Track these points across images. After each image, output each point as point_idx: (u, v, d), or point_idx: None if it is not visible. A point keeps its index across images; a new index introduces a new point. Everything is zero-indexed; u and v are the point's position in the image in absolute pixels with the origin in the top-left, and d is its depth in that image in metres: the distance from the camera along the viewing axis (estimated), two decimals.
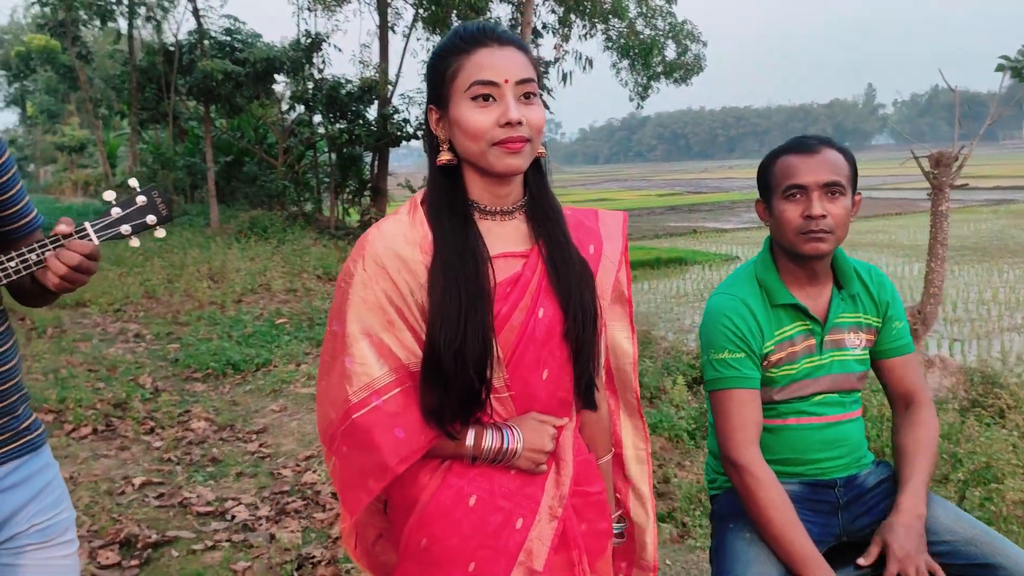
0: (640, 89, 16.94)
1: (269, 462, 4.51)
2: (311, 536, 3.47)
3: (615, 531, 1.69)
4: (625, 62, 16.59)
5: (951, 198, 7.13)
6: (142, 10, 17.04)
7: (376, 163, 17.01)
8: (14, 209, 1.57)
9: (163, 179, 16.74)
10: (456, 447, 1.43)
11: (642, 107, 17.85)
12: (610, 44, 16.32)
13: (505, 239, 1.48)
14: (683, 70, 16.67)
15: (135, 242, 1.51)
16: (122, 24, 16.80)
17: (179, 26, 17.13)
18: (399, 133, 15.55)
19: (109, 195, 1.48)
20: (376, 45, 16.20)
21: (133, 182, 1.48)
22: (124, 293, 9.61)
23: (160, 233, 1.52)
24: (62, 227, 1.43)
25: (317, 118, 16.98)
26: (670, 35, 16.40)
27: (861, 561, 1.79)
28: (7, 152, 1.53)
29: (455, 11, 13.78)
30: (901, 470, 1.89)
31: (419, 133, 14.80)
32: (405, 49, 32.20)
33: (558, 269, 1.48)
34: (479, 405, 1.42)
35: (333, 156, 17.04)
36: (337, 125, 15.96)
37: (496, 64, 1.39)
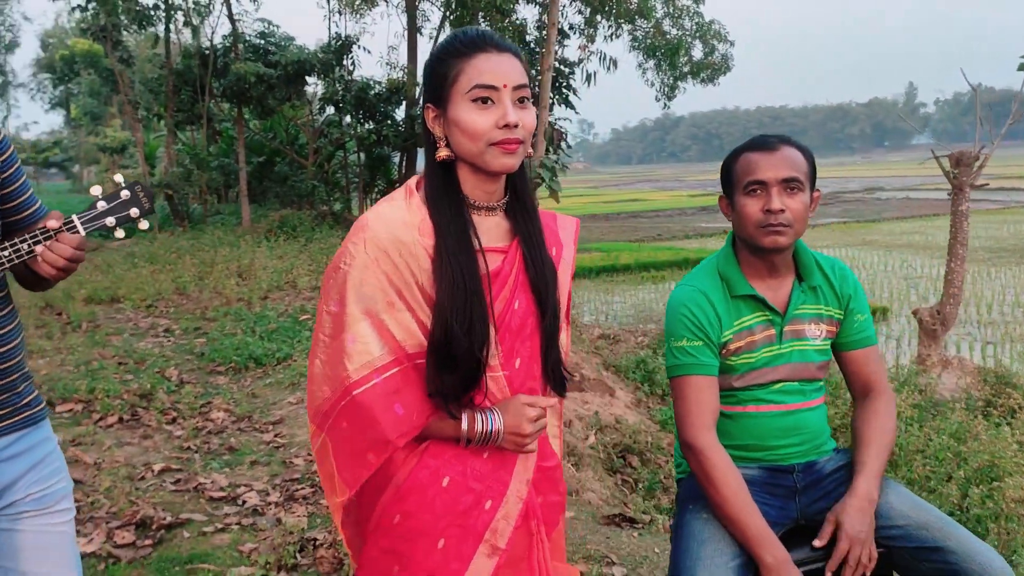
0: (667, 89, 16.96)
1: (283, 451, 4.66)
2: (316, 521, 3.60)
3: None
4: (651, 62, 16.62)
5: (991, 200, 7.11)
6: (179, 15, 17.44)
7: (404, 163, 17.24)
8: (19, 200, 1.70)
9: (197, 179, 17.08)
10: (455, 428, 1.52)
11: (669, 107, 17.86)
12: (636, 44, 16.36)
13: (488, 234, 1.58)
14: (710, 70, 16.65)
15: (120, 233, 1.63)
16: (160, 29, 17.17)
17: (214, 30, 17.42)
18: None
19: (96, 190, 1.61)
20: (404, 47, 16.43)
21: (118, 177, 1.60)
22: (156, 289, 9.88)
23: (143, 225, 1.64)
24: (52, 222, 1.56)
25: (347, 119, 17.24)
26: (697, 35, 16.38)
27: (816, 543, 1.86)
28: (11, 147, 1.67)
29: (482, 12, 13.91)
30: (857, 456, 1.96)
31: None
32: None
33: (534, 265, 1.58)
34: (477, 384, 1.52)
35: (362, 156, 17.29)
36: (366, 126, 16.20)
37: (496, 69, 1.48)
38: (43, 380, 5.93)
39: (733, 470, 1.87)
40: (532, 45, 15.19)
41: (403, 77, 16.38)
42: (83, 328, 8.14)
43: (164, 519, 3.60)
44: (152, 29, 17.08)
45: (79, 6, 15.84)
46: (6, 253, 1.53)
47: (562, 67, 15.88)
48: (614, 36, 16.17)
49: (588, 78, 15.66)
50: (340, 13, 16.61)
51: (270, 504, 3.85)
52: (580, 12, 15.97)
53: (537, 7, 16.06)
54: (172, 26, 17.21)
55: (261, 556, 3.22)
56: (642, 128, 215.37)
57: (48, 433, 1.77)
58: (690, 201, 38.25)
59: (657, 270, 15.87)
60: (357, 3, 16.13)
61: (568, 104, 16.32)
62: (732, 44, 16.94)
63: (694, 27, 16.45)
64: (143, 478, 4.25)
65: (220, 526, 3.58)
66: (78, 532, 3.40)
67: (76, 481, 3.99)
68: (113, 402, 5.43)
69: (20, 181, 1.70)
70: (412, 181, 1.61)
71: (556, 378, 1.65)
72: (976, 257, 16.87)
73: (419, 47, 16.59)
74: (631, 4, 15.07)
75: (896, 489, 1.96)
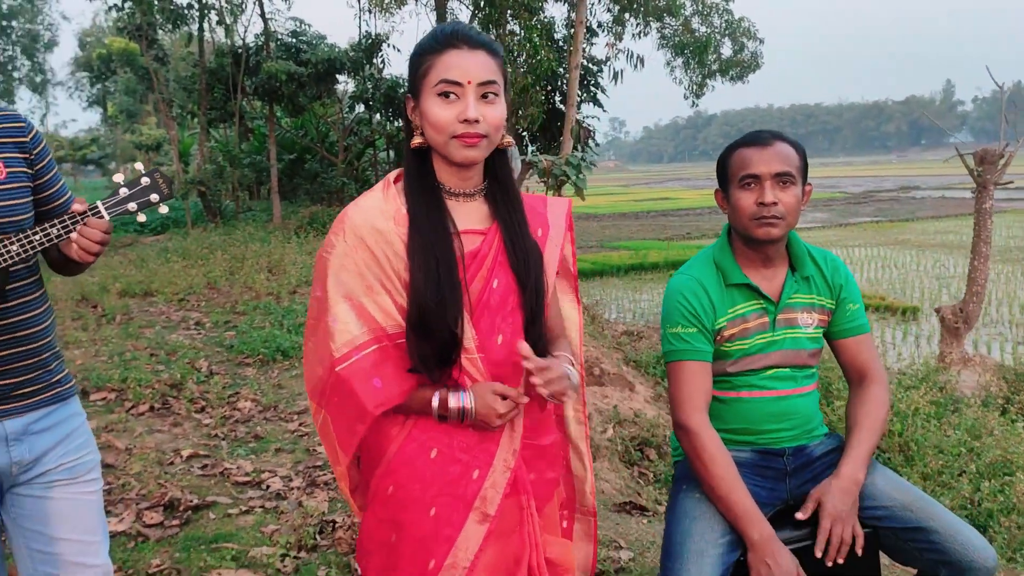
0: (695, 87, 16.94)
1: (306, 440, 4.79)
2: (336, 505, 3.72)
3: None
4: (679, 60, 16.62)
5: None
6: (213, 14, 17.72)
7: None
8: (52, 190, 1.83)
9: (230, 176, 17.37)
10: (427, 404, 1.62)
11: (697, 105, 17.83)
12: (664, 42, 16.36)
13: (467, 217, 1.68)
14: (739, 68, 16.60)
15: (142, 217, 1.75)
16: (194, 28, 17.48)
17: (247, 29, 17.74)
18: None
19: (118, 177, 1.73)
20: None
21: (138, 165, 1.73)
22: (188, 284, 10.09)
23: (163, 210, 1.76)
24: (77, 206, 1.68)
25: (376, 117, 17.42)
26: (726, 32, 16.34)
27: (799, 515, 1.94)
28: (43, 141, 1.80)
29: (510, 11, 13.99)
30: (847, 440, 2.03)
31: None
32: None
33: (514, 246, 1.67)
34: (455, 357, 1.61)
35: (391, 153, 17.47)
36: (395, 123, 16.36)
37: (462, 65, 1.57)
38: (78, 370, 6.12)
39: (723, 451, 1.94)
40: (560, 43, 15.26)
41: None
42: (117, 320, 8.35)
43: (191, 501, 3.74)
44: (186, 28, 17.39)
45: (115, 5, 16.18)
46: (37, 238, 1.65)
47: (590, 65, 15.92)
48: (642, 34, 16.19)
49: (615, 76, 15.69)
50: (370, 12, 16.80)
51: (293, 489, 3.98)
52: (608, 10, 16.02)
53: (566, 5, 16.14)
54: (206, 25, 17.48)
55: (282, 537, 3.34)
56: (674, 126, 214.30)
57: (77, 409, 1.90)
58: None
59: None
60: (387, 2, 16.29)
61: (596, 102, 16.37)
62: (762, 41, 16.88)
63: (723, 24, 16.42)
64: (172, 463, 4.40)
65: (244, 509, 3.71)
66: (109, 512, 3.56)
67: (108, 465, 4.16)
68: (145, 391, 5.59)
69: (52, 172, 1.83)
70: (391, 174, 1.72)
71: (537, 354, 1.70)
72: (1010, 257, 16.64)
73: None
74: (660, 2, 15.08)
75: (883, 472, 2.03)
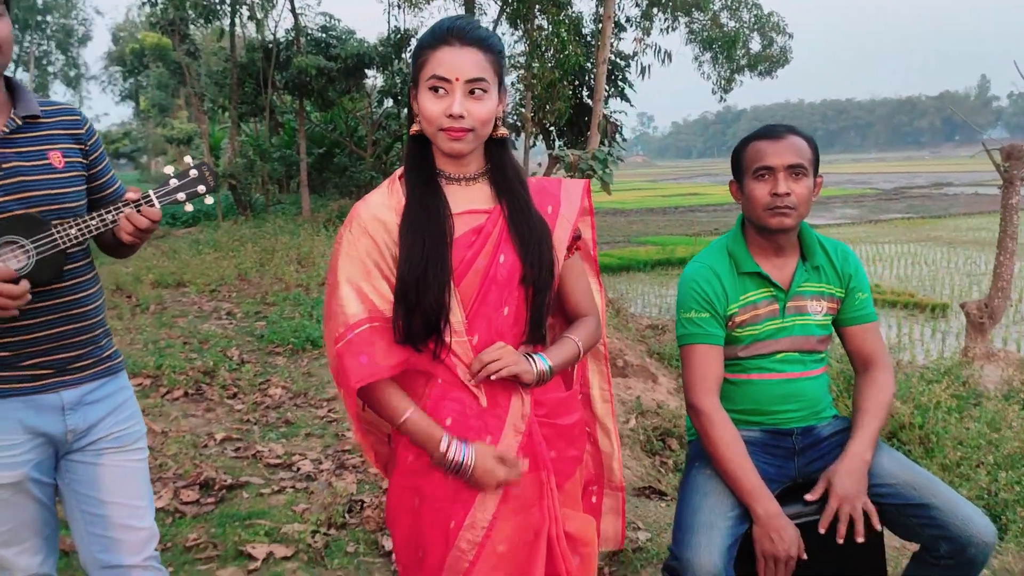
0: (723, 82, 16.90)
1: (336, 425, 4.93)
2: (364, 487, 3.86)
3: None
4: (707, 55, 16.59)
5: None
6: (244, 9, 17.97)
7: None
8: (104, 179, 1.97)
9: (260, 170, 17.60)
10: (433, 442, 1.70)
11: (725, 100, 17.77)
12: (692, 37, 16.34)
13: (471, 199, 1.79)
14: (768, 63, 16.54)
15: (189, 207, 1.87)
16: (225, 23, 17.72)
17: (277, 24, 17.94)
18: None
19: (169, 169, 1.86)
20: None
21: (187, 158, 1.85)
22: (220, 275, 10.29)
23: (209, 200, 1.88)
24: (131, 194, 1.81)
25: (404, 111, 17.55)
26: (755, 27, 16.28)
27: (808, 497, 2.03)
28: (96, 134, 1.93)
29: (538, 6, 14.06)
30: (854, 422, 2.12)
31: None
32: None
33: (518, 224, 1.77)
34: (444, 338, 1.70)
35: None
36: None
37: (452, 62, 1.67)
38: None
39: (732, 430, 2.04)
40: (588, 38, 15.30)
41: None
42: (151, 310, 8.56)
43: (225, 481, 3.89)
44: (218, 23, 17.63)
45: (149, 1, 16.45)
46: (94, 223, 1.78)
47: (618, 60, 15.94)
48: (670, 28, 16.19)
49: (643, 71, 15.71)
50: (399, 7, 16.94)
51: (322, 471, 4.12)
52: (637, 5, 16.02)
53: (594, 0, 16.16)
54: (237, 20, 17.74)
55: (313, 515, 3.48)
56: (703, 122, 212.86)
57: (125, 382, 2.03)
58: None
59: None
60: None
61: (624, 97, 16.39)
62: (791, 36, 16.79)
63: (752, 19, 16.36)
64: (206, 446, 4.56)
65: (276, 488, 3.86)
66: None
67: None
68: (179, 377, 5.76)
69: (104, 163, 1.96)
70: (398, 171, 1.84)
71: (534, 324, 1.79)
72: None
73: None
74: None
75: (889, 452, 2.11)
